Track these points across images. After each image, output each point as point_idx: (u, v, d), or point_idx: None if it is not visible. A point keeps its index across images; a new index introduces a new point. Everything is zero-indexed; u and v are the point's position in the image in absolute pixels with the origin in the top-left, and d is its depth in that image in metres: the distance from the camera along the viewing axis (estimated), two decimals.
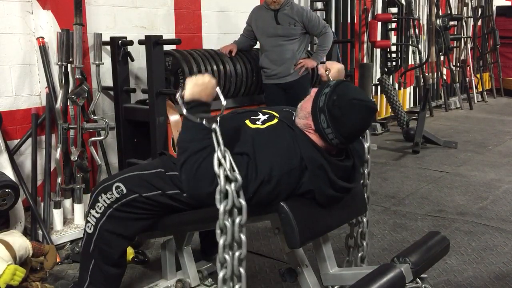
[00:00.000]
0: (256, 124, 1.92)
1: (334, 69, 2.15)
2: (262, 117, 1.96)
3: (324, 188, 1.84)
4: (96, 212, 2.07)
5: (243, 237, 1.60)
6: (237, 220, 1.58)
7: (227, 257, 1.59)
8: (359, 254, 2.35)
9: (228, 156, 1.59)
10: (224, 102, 1.73)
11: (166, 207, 2.04)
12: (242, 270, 1.60)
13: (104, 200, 2.05)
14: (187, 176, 1.73)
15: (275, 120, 1.93)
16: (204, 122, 1.65)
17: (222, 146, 1.59)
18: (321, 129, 1.83)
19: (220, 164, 1.58)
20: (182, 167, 1.74)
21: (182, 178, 1.75)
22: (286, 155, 1.80)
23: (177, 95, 1.78)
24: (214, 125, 1.62)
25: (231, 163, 1.59)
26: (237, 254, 1.59)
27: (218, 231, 1.59)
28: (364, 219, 2.30)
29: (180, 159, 1.74)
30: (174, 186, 1.99)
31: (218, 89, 1.80)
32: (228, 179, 1.57)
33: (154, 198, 2.01)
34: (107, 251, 2.10)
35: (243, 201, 1.58)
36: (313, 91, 1.92)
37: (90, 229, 2.10)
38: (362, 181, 2.26)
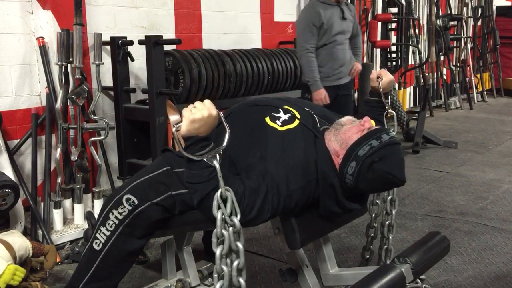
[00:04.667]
0: (275, 123, 1.86)
1: (386, 78, 2.15)
2: (283, 116, 1.89)
3: (330, 205, 1.82)
4: (107, 229, 1.96)
5: (242, 281, 1.55)
6: (235, 263, 1.54)
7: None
8: (385, 247, 2.38)
9: (230, 196, 1.54)
10: (228, 132, 1.57)
11: (170, 216, 1.99)
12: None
13: (115, 217, 1.95)
14: (207, 217, 1.64)
15: (296, 123, 1.87)
16: (205, 159, 1.56)
17: (222, 188, 1.53)
18: (344, 172, 1.78)
19: (219, 208, 1.53)
20: (199, 207, 1.68)
21: (203, 213, 1.70)
22: (303, 167, 1.77)
23: (173, 130, 1.60)
24: (215, 163, 1.54)
25: (232, 206, 1.54)
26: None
27: (215, 275, 1.54)
28: (393, 211, 2.34)
29: (194, 201, 1.68)
30: (181, 184, 1.92)
31: (222, 116, 1.61)
32: (226, 223, 1.53)
33: (165, 202, 1.94)
34: (113, 268, 2.02)
35: (240, 245, 1.54)
36: (365, 121, 1.84)
37: (98, 246, 1.98)
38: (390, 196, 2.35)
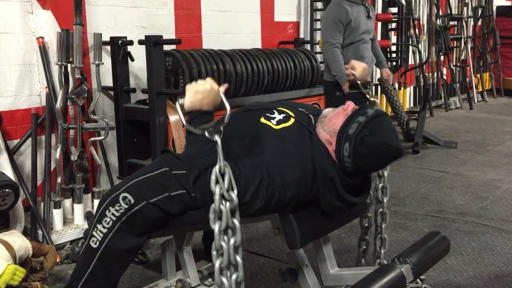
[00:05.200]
0: (271, 122, 1.87)
1: (359, 69, 2.12)
2: (277, 116, 1.90)
3: (330, 200, 1.82)
4: (103, 227, 1.97)
5: (238, 259, 1.56)
6: (232, 241, 1.55)
7: (224, 279, 1.56)
8: (379, 236, 2.39)
9: (228, 172, 1.55)
10: (228, 109, 1.61)
11: (169, 216, 1.99)
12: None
13: (112, 214, 1.95)
14: (201, 194, 1.67)
15: (291, 121, 1.88)
16: (206, 134, 1.58)
17: (221, 162, 1.54)
18: (340, 156, 1.78)
19: (217, 182, 1.54)
20: (194, 184, 1.67)
21: (197, 196, 1.71)
22: (299, 162, 1.77)
23: (177, 104, 1.67)
24: (216, 137, 1.56)
25: (229, 181, 1.55)
26: (234, 276, 1.56)
27: (213, 253, 1.55)
28: (385, 199, 2.34)
29: (191, 177, 1.67)
30: (179, 185, 1.94)
31: (222, 95, 1.66)
32: (223, 198, 1.54)
33: (161, 203, 1.94)
34: (111, 267, 2.02)
35: (237, 222, 1.55)
36: (348, 105, 1.86)
37: (95, 243, 1.99)
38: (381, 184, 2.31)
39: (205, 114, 1.63)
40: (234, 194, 1.55)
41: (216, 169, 1.54)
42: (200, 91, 1.63)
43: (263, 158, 1.75)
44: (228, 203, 1.54)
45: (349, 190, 1.85)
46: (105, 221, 1.97)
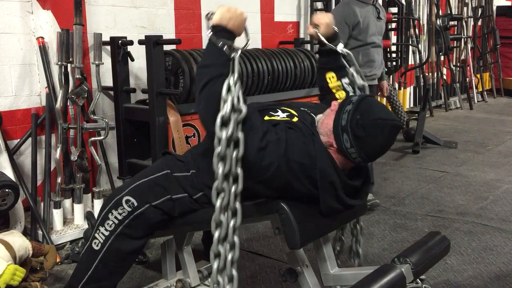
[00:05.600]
0: (274, 116, 1.88)
1: (322, 25, 2.01)
2: (281, 114, 1.91)
3: (330, 202, 1.81)
4: (106, 229, 1.98)
5: (238, 205, 1.64)
6: (234, 154, 1.61)
7: (222, 218, 1.62)
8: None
9: (239, 85, 1.63)
10: (249, 39, 1.76)
11: (170, 218, 1.99)
12: (236, 239, 1.66)
13: (115, 217, 1.96)
14: (205, 102, 1.70)
15: (295, 119, 1.89)
16: (225, 48, 1.68)
17: (236, 74, 1.63)
18: (344, 149, 1.78)
19: (229, 90, 1.61)
20: (200, 92, 1.71)
21: (200, 106, 1.72)
22: (302, 148, 1.77)
23: (206, 15, 1.76)
24: (234, 54, 1.67)
25: (239, 94, 1.62)
26: (232, 222, 1.64)
27: (214, 193, 1.63)
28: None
29: (200, 84, 1.71)
30: (180, 188, 1.95)
31: (246, 25, 1.78)
32: (233, 109, 1.60)
33: (163, 206, 1.94)
34: (113, 269, 2.02)
35: (241, 135, 1.62)
36: (334, 105, 1.87)
37: (97, 246, 2.00)
38: None
39: (228, 32, 1.73)
40: (244, 106, 1.62)
41: (230, 78, 1.62)
42: (231, 11, 1.73)
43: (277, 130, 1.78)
44: (236, 114, 1.60)
45: (349, 192, 1.85)
46: (108, 224, 1.98)
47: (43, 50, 3.31)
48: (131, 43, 3.58)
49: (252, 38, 5.26)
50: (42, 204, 3.19)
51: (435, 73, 7.98)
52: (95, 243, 2.01)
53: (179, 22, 4.30)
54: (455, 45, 8.40)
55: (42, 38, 3.33)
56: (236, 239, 1.66)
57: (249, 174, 1.67)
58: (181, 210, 1.97)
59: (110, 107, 3.80)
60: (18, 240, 2.37)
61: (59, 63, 3.21)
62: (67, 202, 3.30)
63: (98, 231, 2.00)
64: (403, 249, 2.01)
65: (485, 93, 9.07)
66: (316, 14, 2.08)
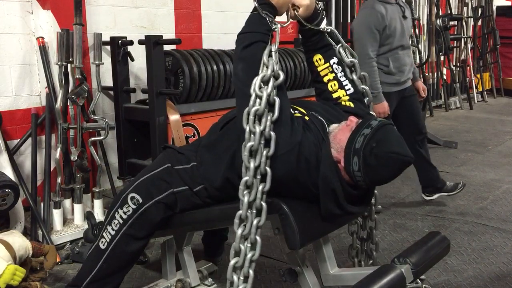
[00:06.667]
0: None
1: (303, 8, 1.91)
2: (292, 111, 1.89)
3: (331, 208, 1.81)
4: (112, 229, 1.99)
5: (264, 204, 1.67)
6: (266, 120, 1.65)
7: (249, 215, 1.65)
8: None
9: (277, 57, 1.70)
10: (289, 20, 1.88)
11: (172, 214, 2.00)
12: (258, 238, 1.67)
13: (120, 216, 1.98)
14: (245, 62, 1.76)
15: (306, 118, 1.88)
16: (268, 19, 1.76)
17: (277, 43, 1.73)
18: (350, 171, 1.75)
19: (270, 56, 1.69)
20: (241, 52, 1.77)
21: (239, 65, 1.77)
22: (311, 147, 1.76)
23: None
24: (275, 26, 1.76)
25: (277, 64, 1.69)
26: (255, 221, 1.66)
27: (241, 188, 1.64)
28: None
29: (241, 45, 1.77)
30: (181, 181, 1.95)
31: (291, 10, 1.88)
32: (274, 76, 1.67)
33: (166, 200, 1.95)
34: (116, 268, 2.04)
35: (277, 99, 1.66)
36: (351, 120, 1.84)
37: (104, 245, 2.01)
38: None
39: (272, 7, 1.80)
40: (282, 72, 1.69)
41: (273, 46, 1.71)
42: None
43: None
44: (273, 79, 1.67)
45: (350, 200, 1.84)
46: (114, 223, 2.00)
47: (43, 50, 3.31)
48: (131, 43, 3.58)
49: None
50: (42, 204, 3.19)
51: (435, 73, 7.97)
52: (102, 242, 2.03)
53: (179, 22, 4.30)
54: (455, 45, 8.39)
55: (42, 38, 3.33)
56: (258, 238, 1.65)
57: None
58: (182, 205, 1.98)
59: (110, 107, 3.80)
60: (18, 240, 2.37)
61: (59, 63, 3.21)
62: (67, 202, 3.30)
63: (106, 230, 2.02)
64: (403, 249, 2.01)
65: (485, 93, 9.07)
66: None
